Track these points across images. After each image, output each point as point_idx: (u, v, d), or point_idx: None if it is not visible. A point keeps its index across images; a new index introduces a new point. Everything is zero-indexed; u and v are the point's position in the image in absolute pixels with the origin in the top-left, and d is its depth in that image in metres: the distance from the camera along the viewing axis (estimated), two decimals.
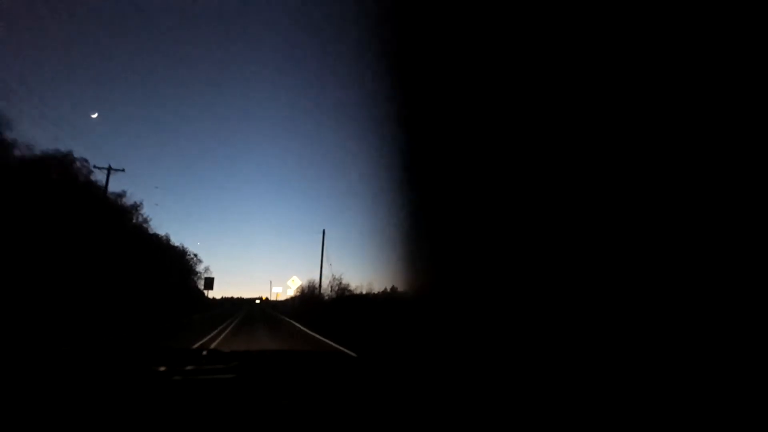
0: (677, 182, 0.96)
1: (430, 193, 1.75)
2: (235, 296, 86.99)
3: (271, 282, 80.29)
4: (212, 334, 12.25)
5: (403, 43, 1.74)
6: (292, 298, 35.41)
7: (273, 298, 65.58)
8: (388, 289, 16.30)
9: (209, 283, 38.22)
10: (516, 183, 1.37)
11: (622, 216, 1.08)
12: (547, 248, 1.28)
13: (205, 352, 1.65)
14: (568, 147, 1.20)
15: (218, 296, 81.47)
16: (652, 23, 1.01)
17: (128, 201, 23.00)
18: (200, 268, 39.84)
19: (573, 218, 1.22)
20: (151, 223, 24.07)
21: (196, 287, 40.86)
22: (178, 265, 28.75)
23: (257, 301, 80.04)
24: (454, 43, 1.48)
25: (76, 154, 17.64)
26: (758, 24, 0.87)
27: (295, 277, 32.72)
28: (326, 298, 28.42)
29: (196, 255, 39.94)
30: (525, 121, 1.31)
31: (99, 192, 19.40)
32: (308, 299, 32.62)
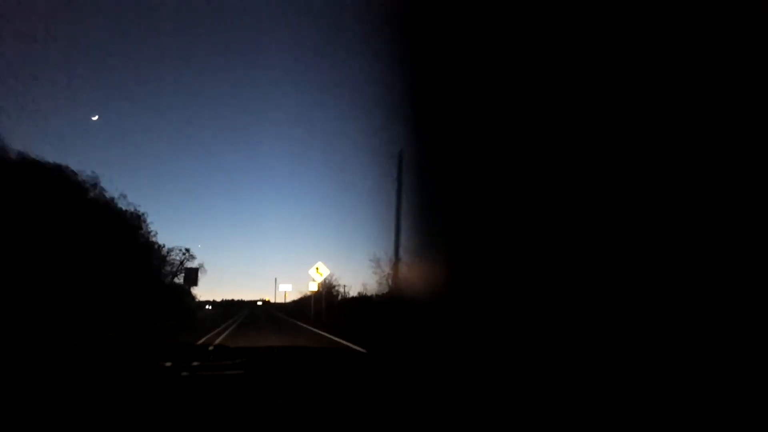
0: (695, 185, 0.96)
1: (450, 193, 1.57)
2: (236, 298, 74.94)
3: (276, 279, 67.57)
4: None
5: (414, 36, 1.59)
6: (316, 295, 23.21)
7: (277, 299, 54.38)
8: None
9: (191, 277, 26.54)
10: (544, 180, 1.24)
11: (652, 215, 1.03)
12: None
13: (211, 348, 1.69)
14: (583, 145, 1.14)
15: (218, 299, 69.46)
16: (653, 23, 1.01)
17: None
18: (194, 265, 32.61)
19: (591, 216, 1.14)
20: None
21: (180, 286, 31.20)
22: (125, 243, 16.67)
23: (259, 303, 68.38)
24: (471, 35, 1.36)
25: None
26: (758, 24, 0.88)
27: (320, 264, 20.85)
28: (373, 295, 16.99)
29: (188, 250, 32.02)
30: (542, 119, 1.21)
31: None
32: (327, 298, 23.75)
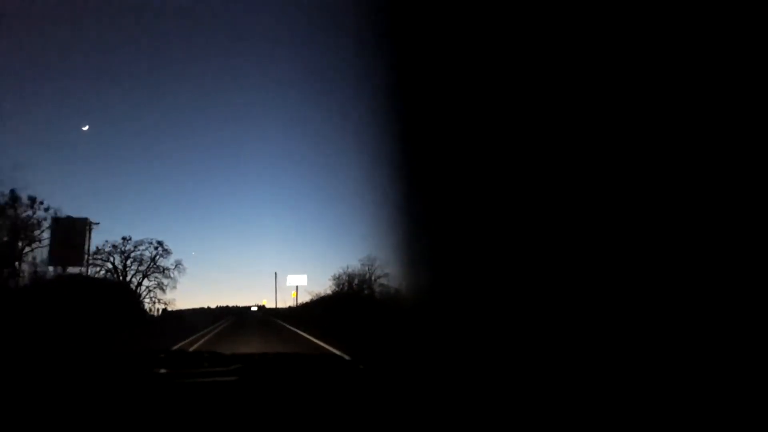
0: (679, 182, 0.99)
1: (437, 193, 1.62)
2: (231, 304, 57.62)
3: (276, 275, 47.73)
4: None
5: (403, 37, 1.65)
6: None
7: (278, 303, 38.50)
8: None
9: (65, 239, 10.53)
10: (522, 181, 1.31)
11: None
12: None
13: (206, 354, 1.67)
14: (572, 144, 1.18)
15: (213, 306, 52.76)
16: (652, 23, 1.03)
17: None
18: (168, 262, 27.43)
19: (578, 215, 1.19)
20: None
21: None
22: None
23: (253, 309, 51.93)
24: (457, 36, 1.42)
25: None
26: (758, 24, 0.91)
27: None
28: None
29: (161, 243, 27.14)
30: (527, 119, 1.27)
31: None
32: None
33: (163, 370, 1.38)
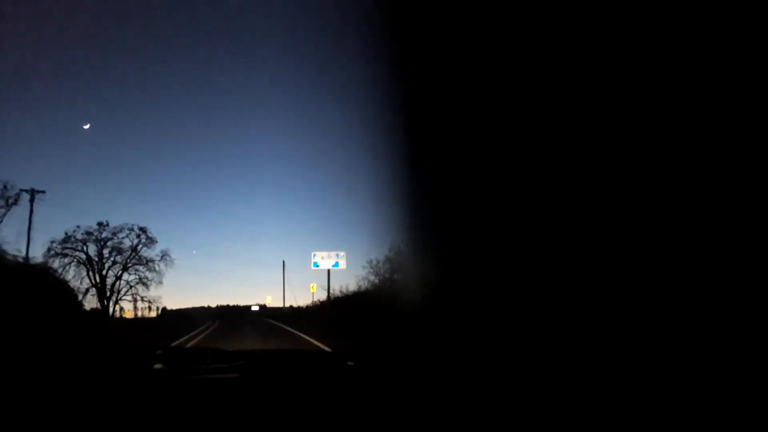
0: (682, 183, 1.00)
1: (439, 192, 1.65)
2: (232, 303, 57.76)
3: (284, 263, 35.59)
4: None
5: (407, 38, 1.71)
6: None
7: (287, 301, 36.67)
8: None
9: None
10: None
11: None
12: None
13: (208, 351, 1.69)
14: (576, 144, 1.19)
15: (213, 305, 52.82)
16: (652, 23, 1.05)
17: None
18: (153, 253, 23.24)
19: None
20: None
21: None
22: None
23: (254, 309, 51.52)
24: (461, 34, 1.46)
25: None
26: (758, 24, 0.91)
27: None
28: None
29: (144, 230, 22.98)
30: (531, 118, 1.30)
31: None
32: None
33: (164, 367, 1.40)
